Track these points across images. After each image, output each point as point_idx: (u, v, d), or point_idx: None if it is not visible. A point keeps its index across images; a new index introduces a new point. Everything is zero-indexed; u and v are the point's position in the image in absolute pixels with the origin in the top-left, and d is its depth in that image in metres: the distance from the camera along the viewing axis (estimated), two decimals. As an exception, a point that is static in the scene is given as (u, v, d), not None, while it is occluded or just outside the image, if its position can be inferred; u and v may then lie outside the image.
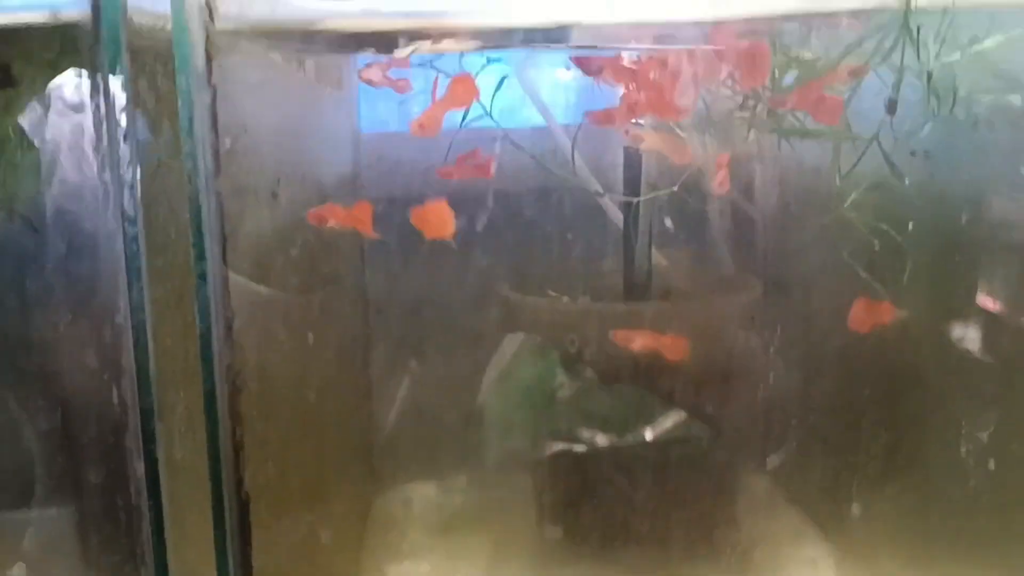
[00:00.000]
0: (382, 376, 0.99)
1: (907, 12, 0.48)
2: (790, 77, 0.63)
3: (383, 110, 0.98)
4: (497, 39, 0.64)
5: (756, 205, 0.92)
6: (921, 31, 0.50)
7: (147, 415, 0.46)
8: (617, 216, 0.93)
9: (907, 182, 0.58)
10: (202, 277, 0.46)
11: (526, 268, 0.95)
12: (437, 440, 0.96)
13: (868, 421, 0.79)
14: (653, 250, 0.92)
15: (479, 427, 0.91)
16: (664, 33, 0.61)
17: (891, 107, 0.53)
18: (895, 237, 0.61)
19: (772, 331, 0.87)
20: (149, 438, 0.45)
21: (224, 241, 0.46)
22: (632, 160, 0.89)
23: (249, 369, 0.48)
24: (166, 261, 0.47)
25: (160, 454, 0.46)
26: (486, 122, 0.79)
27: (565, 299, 0.90)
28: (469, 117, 0.78)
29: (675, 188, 0.86)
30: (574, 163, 0.88)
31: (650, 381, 0.85)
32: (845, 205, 0.61)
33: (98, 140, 0.45)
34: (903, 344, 0.73)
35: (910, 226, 0.62)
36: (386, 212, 0.97)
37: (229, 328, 0.47)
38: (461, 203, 0.87)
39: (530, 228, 0.95)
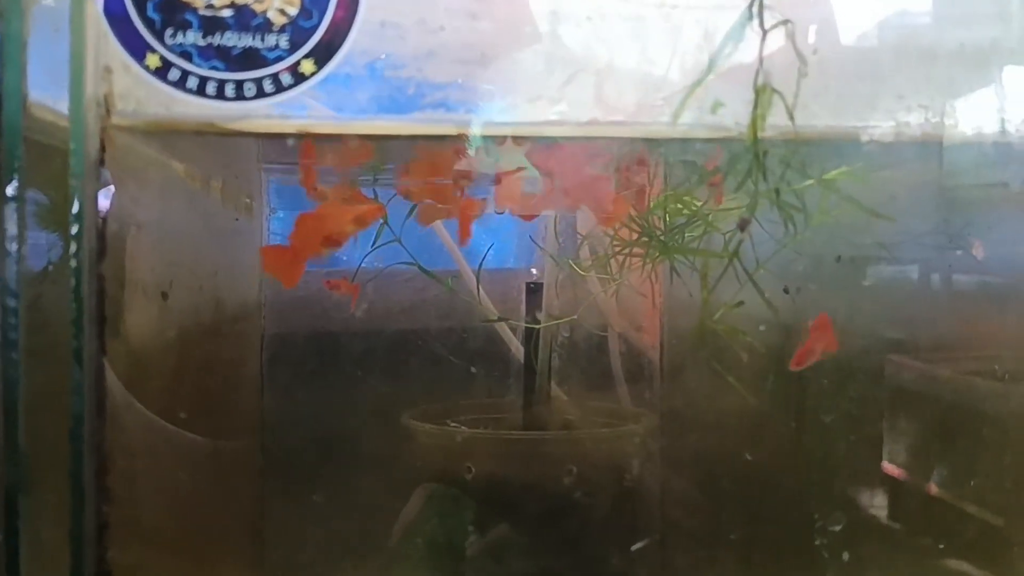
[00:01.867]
0: (273, 491, 0.97)
1: (755, 141, 0.54)
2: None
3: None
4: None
5: (644, 334, 0.96)
6: (768, 159, 0.55)
7: (12, 490, 0.46)
8: (518, 348, 0.96)
9: (767, 296, 0.62)
10: (78, 359, 0.47)
11: (427, 397, 0.97)
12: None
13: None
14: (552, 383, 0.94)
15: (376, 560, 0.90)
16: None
17: (742, 224, 0.57)
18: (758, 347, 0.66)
19: (665, 457, 0.90)
20: (13, 513, 0.45)
21: (102, 326, 0.48)
22: (534, 294, 0.93)
23: (119, 449, 0.48)
24: (44, 340, 0.48)
25: (23, 529, 0.45)
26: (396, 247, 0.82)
27: (463, 428, 0.92)
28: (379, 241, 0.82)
29: (575, 316, 0.90)
30: (479, 292, 0.92)
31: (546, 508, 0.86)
32: (714, 318, 0.65)
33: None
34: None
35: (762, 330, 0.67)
36: (287, 334, 0.98)
37: (101, 410, 0.47)
38: (361, 329, 0.90)
39: (433, 358, 0.97)
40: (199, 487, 0.70)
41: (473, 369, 0.99)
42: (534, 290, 0.95)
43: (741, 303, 0.63)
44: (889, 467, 0.81)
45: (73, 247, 0.46)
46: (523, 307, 0.95)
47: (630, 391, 1.01)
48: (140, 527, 0.53)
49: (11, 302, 0.45)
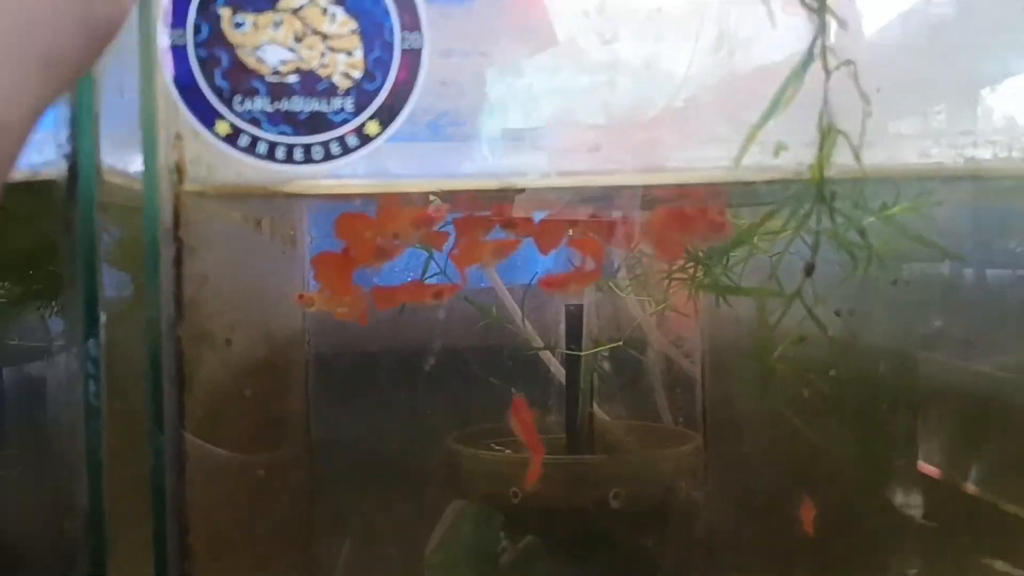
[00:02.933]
0: (325, 525, 0.98)
1: (820, 181, 0.54)
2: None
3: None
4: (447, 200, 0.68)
5: (693, 360, 0.96)
6: (835, 199, 0.56)
7: (97, 552, 0.46)
8: (560, 371, 0.96)
9: (830, 334, 0.62)
10: (157, 421, 0.48)
11: (471, 421, 0.97)
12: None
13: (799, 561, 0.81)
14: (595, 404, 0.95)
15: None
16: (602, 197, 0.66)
17: (808, 270, 0.58)
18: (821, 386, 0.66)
19: (711, 481, 0.90)
20: (100, 573, 0.46)
21: (182, 385, 0.48)
22: (573, 317, 0.93)
23: (197, 510, 0.49)
24: (125, 405, 0.49)
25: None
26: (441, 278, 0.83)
27: (508, 452, 0.92)
28: (427, 272, 0.83)
29: (620, 343, 0.90)
30: (524, 322, 0.92)
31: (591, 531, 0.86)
32: (774, 356, 0.65)
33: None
34: (832, 487, 0.76)
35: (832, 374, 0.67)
36: (330, 362, 0.99)
37: (181, 472, 0.48)
38: (408, 355, 0.90)
39: (476, 382, 0.98)
40: (259, 513, 0.71)
41: (514, 390, 1.00)
42: (574, 312, 0.95)
43: (803, 339, 0.63)
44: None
45: (151, 312, 0.47)
46: (562, 328, 0.96)
47: (672, 411, 1.02)
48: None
49: (93, 370, 0.46)
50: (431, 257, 0.83)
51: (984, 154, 0.58)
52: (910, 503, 0.81)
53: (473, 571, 0.88)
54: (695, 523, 0.91)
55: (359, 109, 0.49)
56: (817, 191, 0.55)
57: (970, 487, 0.78)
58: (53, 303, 0.76)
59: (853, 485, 0.79)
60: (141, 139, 0.48)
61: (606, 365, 0.96)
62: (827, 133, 0.53)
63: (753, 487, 0.88)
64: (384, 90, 0.49)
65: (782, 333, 0.65)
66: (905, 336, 0.75)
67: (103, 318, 0.47)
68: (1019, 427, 0.74)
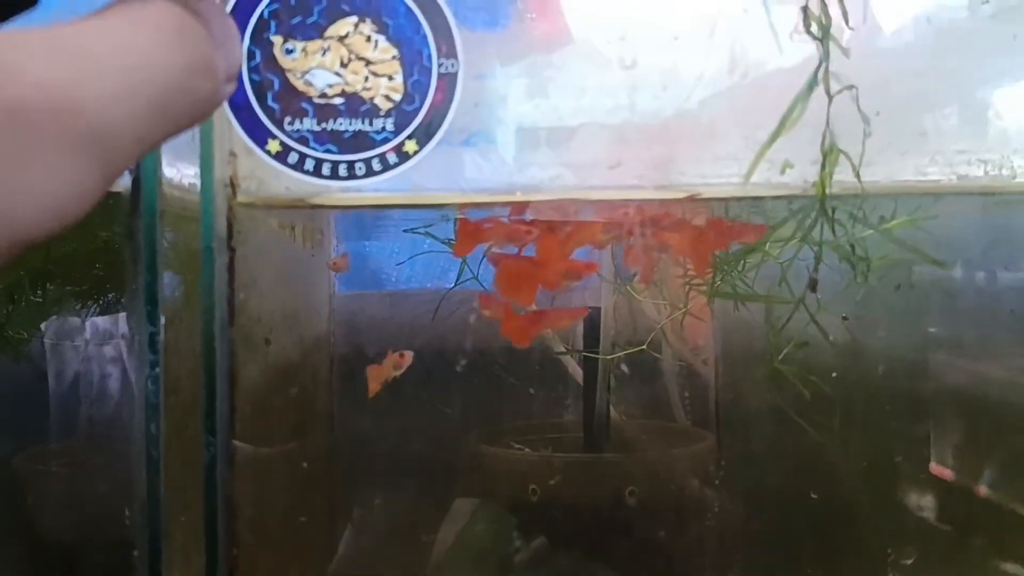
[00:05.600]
0: (346, 519, 1.01)
1: (823, 198, 0.58)
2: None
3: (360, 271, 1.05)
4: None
5: (706, 362, 0.99)
6: (836, 212, 0.59)
7: (154, 537, 0.50)
8: (577, 372, 0.99)
9: (831, 339, 0.66)
10: (210, 415, 0.52)
11: (492, 421, 1.00)
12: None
13: (806, 555, 0.85)
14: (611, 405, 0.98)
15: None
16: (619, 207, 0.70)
17: (812, 285, 0.62)
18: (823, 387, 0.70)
19: (724, 479, 0.93)
20: (155, 558, 0.50)
21: (233, 382, 0.52)
22: (593, 320, 0.96)
23: (245, 497, 0.53)
24: (178, 400, 0.53)
25: (164, 572, 0.50)
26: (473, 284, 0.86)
27: (527, 451, 0.95)
28: (461, 279, 0.87)
29: (644, 347, 0.94)
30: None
31: (608, 525, 0.90)
32: (778, 359, 0.69)
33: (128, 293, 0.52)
34: (835, 484, 0.79)
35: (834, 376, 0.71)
36: (355, 366, 1.02)
37: (231, 460, 0.52)
38: (431, 358, 0.93)
39: (497, 383, 1.01)
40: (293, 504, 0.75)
41: (532, 390, 1.02)
42: (593, 315, 0.98)
43: (806, 344, 0.67)
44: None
45: (206, 315, 0.51)
46: (580, 330, 0.99)
47: (687, 412, 1.04)
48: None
49: (151, 371, 0.50)
50: (465, 263, 0.87)
51: (977, 171, 0.61)
52: (915, 501, 0.84)
53: (487, 571, 0.92)
54: (709, 519, 0.94)
55: (399, 129, 0.53)
56: (820, 206, 0.58)
57: (974, 486, 0.82)
58: (96, 303, 0.80)
59: (863, 482, 0.82)
60: (200, 155, 0.52)
61: (623, 367, 0.99)
62: (829, 152, 0.57)
63: (763, 484, 0.91)
64: (422, 111, 0.53)
65: (789, 337, 0.69)
66: (907, 339, 0.79)
67: (163, 319, 0.51)
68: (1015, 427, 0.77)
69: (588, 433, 0.98)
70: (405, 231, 0.85)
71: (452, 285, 0.88)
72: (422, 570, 0.92)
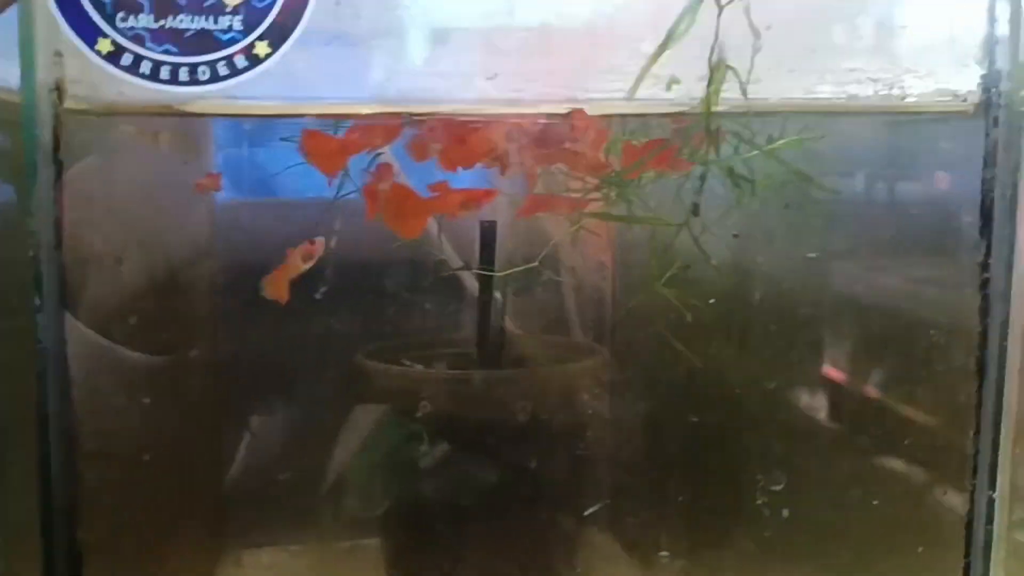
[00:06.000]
0: (230, 441, 0.99)
1: (708, 115, 0.55)
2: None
3: (243, 177, 1.00)
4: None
5: (601, 280, 0.97)
6: (723, 131, 0.57)
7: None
8: (473, 287, 0.97)
9: (713, 261, 0.65)
10: (40, 343, 0.47)
11: (382, 337, 0.98)
12: (284, 505, 0.97)
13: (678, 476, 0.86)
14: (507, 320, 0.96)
15: (329, 493, 0.92)
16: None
17: (695, 210, 0.60)
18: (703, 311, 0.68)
19: (613, 395, 0.93)
20: None
21: (64, 309, 0.48)
22: (488, 235, 0.93)
23: (85, 431, 0.49)
24: (8, 326, 0.48)
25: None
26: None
27: (419, 367, 0.93)
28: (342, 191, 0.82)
29: (537, 263, 0.91)
30: (440, 241, 0.92)
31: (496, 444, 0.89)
32: (661, 282, 0.67)
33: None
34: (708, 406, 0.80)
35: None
36: (239, 279, 0.98)
37: (67, 393, 0.48)
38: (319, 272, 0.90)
39: (389, 297, 0.98)
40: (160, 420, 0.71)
41: (427, 305, 1.00)
42: (488, 229, 0.95)
43: (687, 267, 0.65)
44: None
45: (31, 235, 0.46)
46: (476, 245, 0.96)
47: (583, 327, 1.04)
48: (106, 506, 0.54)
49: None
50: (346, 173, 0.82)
51: (867, 91, 0.59)
52: (805, 405, 0.85)
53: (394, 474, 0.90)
54: (591, 437, 0.94)
55: (248, 29, 0.48)
56: (705, 124, 0.56)
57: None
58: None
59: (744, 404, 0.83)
60: (19, 56, 0.47)
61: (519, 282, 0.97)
62: (717, 68, 0.54)
63: (646, 404, 0.91)
64: (275, 9, 0.48)
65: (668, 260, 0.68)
66: (792, 258, 0.78)
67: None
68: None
69: (481, 349, 0.97)
70: (282, 139, 0.80)
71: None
72: (322, 476, 0.91)
